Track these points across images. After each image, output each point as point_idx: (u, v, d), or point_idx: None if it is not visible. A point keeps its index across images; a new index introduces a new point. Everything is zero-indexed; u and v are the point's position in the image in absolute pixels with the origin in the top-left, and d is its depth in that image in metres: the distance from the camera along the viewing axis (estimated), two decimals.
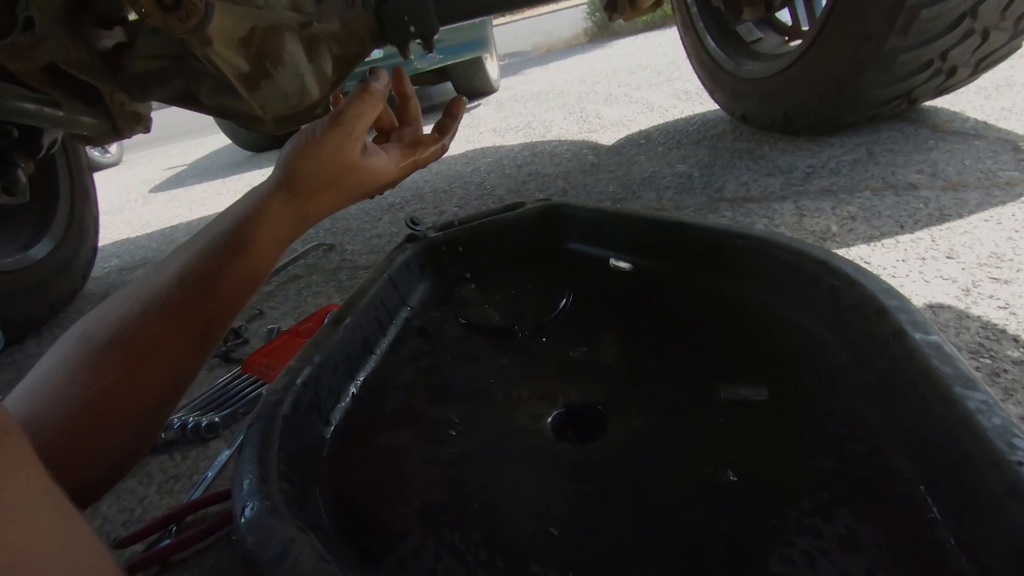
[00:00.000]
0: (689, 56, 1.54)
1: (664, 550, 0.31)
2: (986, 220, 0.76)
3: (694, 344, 0.46)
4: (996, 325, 0.57)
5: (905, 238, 0.77)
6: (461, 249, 0.64)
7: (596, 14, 5.39)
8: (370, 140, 0.53)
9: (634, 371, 0.46)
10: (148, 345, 0.40)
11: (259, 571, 0.28)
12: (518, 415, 0.44)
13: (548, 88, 2.96)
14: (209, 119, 3.29)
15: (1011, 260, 0.66)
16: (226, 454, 0.64)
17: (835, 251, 0.46)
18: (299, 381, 0.42)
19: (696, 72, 1.54)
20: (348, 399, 0.46)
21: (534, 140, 1.87)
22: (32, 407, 0.38)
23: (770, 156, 1.18)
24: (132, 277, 1.45)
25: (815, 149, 1.15)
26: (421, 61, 2.49)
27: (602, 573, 0.30)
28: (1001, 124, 1.05)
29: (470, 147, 1.95)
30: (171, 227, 1.92)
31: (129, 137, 1.06)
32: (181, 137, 5.11)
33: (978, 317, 0.59)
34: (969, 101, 1.20)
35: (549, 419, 0.43)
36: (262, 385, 0.74)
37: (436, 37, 1.05)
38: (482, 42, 2.81)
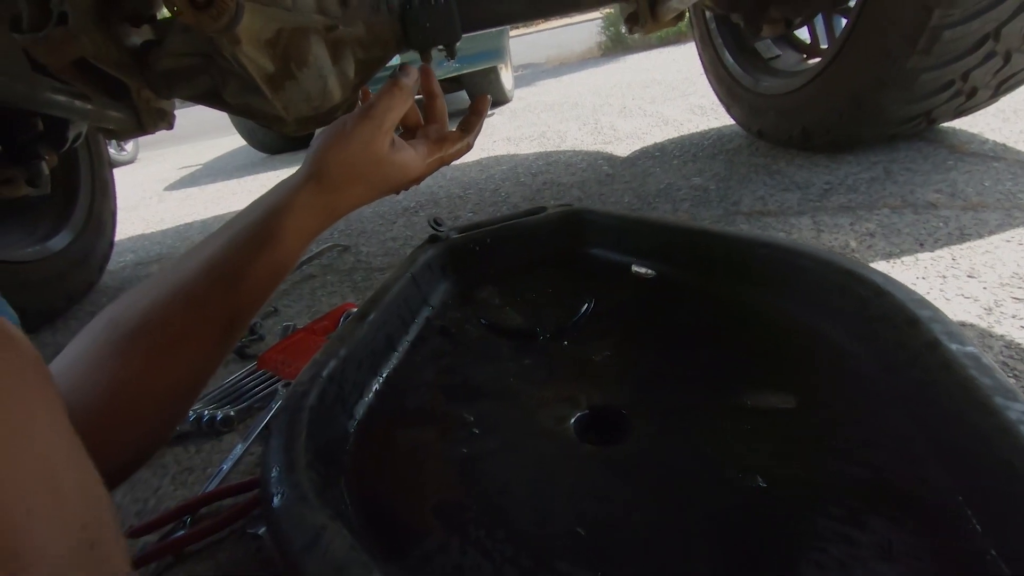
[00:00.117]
0: (706, 71, 1.55)
1: (695, 553, 0.31)
2: (1007, 240, 0.76)
3: (718, 351, 0.46)
4: (1020, 344, 0.57)
5: (925, 256, 0.77)
6: (482, 251, 0.64)
7: (610, 28, 5.43)
8: (397, 136, 0.53)
9: (657, 376, 0.46)
10: (175, 334, 0.40)
11: (290, 557, 0.28)
12: (541, 416, 0.44)
13: (562, 100, 2.98)
14: (225, 120, 3.33)
15: None
16: (241, 448, 0.64)
17: None
18: (325, 374, 0.42)
19: (713, 87, 1.54)
20: (371, 394, 0.46)
21: (548, 150, 1.88)
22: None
23: (787, 171, 1.18)
24: (147, 272, 1.46)
25: (832, 166, 1.15)
26: (438, 69, 2.52)
27: (632, 575, 0.30)
28: (1020, 147, 1.05)
29: (485, 155, 1.97)
30: (186, 224, 1.94)
31: (153, 132, 1.08)
32: (196, 137, 5.17)
33: (1001, 336, 0.58)
34: (987, 123, 1.20)
35: (572, 421, 0.43)
36: (277, 381, 0.75)
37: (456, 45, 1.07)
38: (498, 52, 2.84)
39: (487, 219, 0.67)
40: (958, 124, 1.22)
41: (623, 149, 1.67)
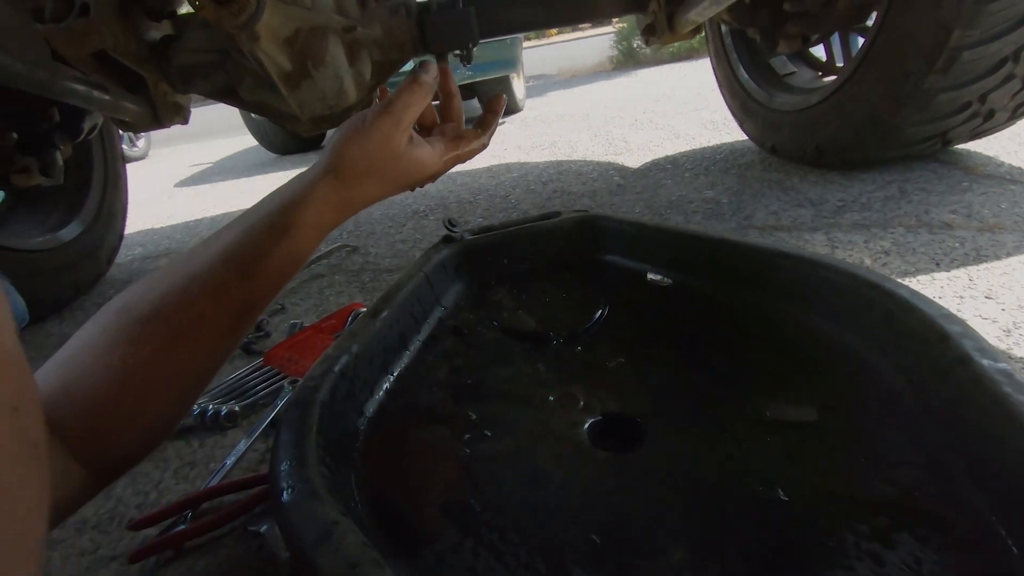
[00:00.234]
0: (720, 86, 1.55)
1: (713, 566, 0.30)
2: None
3: (736, 362, 0.46)
4: None
5: (941, 276, 0.76)
6: (496, 254, 0.64)
7: (622, 43, 5.47)
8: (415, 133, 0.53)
9: (673, 384, 0.45)
10: (187, 321, 0.40)
11: (302, 552, 0.27)
12: (554, 420, 0.43)
13: (573, 111, 3.00)
14: (236, 120, 3.35)
15: None
16: (244, 444, 0.63)
17: None
18: (337, 369, 0.42)
19: (727, 102, 1.54)
20: (382, 392, 0.46)
21: (559, 159, 1.88)
22: (67, 376, 0.38)
23: (800, 188, 1.18)
24: (155, 266, 1.46)
25: (846, 184, 1.15)
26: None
27: None
28: None
29: (495, 162, 1.97)
30: (195, 221, 1.94)
31: (169, 126, 1.08)
32: (207, 136, 5.20)
33: (1021, 358, 0.57)
34: (1003, 146, 1.19)
35: (586, 426, 0.42)
36: (282, 378, 0.74)
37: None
38: (511, 61, 2.86)
39: (501, 222, 0.66)
40: (973, 146, 1.21)
41: (634, 160, 1.67)
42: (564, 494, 0.36)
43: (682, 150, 1.69)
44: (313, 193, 0.46)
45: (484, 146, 0.58)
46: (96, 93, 0.88)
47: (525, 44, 3.20)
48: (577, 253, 0.64)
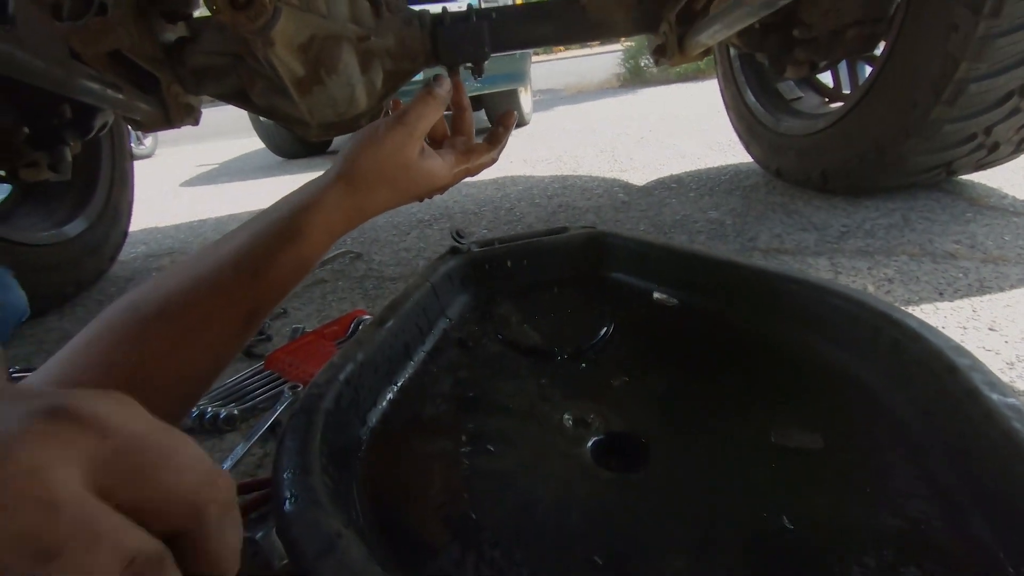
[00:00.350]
0: (727, 108, 1.57)
1: None
2: None
3: (742, 385, 0.45)
4: None
5: (945, 306, 0.76)
6: (503, 267, 0.64)
7: (630, 61, 5.52)
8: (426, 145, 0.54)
9: (678, 405, 0.45)
10: (195, 321, 0.40)
11: (304, 562, 0.26)
12: (557, 437, 0.43)
13: (579, 126, 3.02)
14: (244, 122, 3.37)
15: None
16: (242, 448, 0.63)
17: None
18: (342, 377, 0.41)
19: (733, 124, 1.56)
20: (385, 402, 0.45)
21: (564, 173, 1.89)
22: (70, 372, 0.38)
23: (804, 212, 1.18)
24: (158, 264, 1.46)
25: (850, 209, 1.15)
26: None
27: None
28: None
29: (500, 174, 1.98)
30: (200, 221, 1.95)
31: (179, 127, 1.09)
32: (214, 137, 5.22)
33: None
34: (1006, 178, 1.20)
35: (589, 444, 0.42)
36: (283, 383, 0.74)
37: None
38: (520, 75, 2.88)
39: (509, 235, 0.66)
40: (976, 177, 1.22)
41: (639, 178, 1.68)
42: (567, 513, 0.36)
43: (687, 169, 1.70)
44: (324, 199, 0.46)
45: (493, 160, 0.59)
46: (110, 92, 0.89)
47: (533, 59, 3.23)
48: (584, 269, 0.64)
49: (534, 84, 3.82)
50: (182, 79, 1.05)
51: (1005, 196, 1.12)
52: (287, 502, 0.30)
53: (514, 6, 1.18)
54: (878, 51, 1.15)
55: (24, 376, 0.85)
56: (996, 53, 0.86)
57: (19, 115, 1.09)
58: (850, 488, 0.34)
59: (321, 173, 0.49)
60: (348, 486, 0.36)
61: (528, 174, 1.95)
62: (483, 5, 2.82)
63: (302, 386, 0.71)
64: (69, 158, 1.18)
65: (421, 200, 0.55)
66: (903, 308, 0.76)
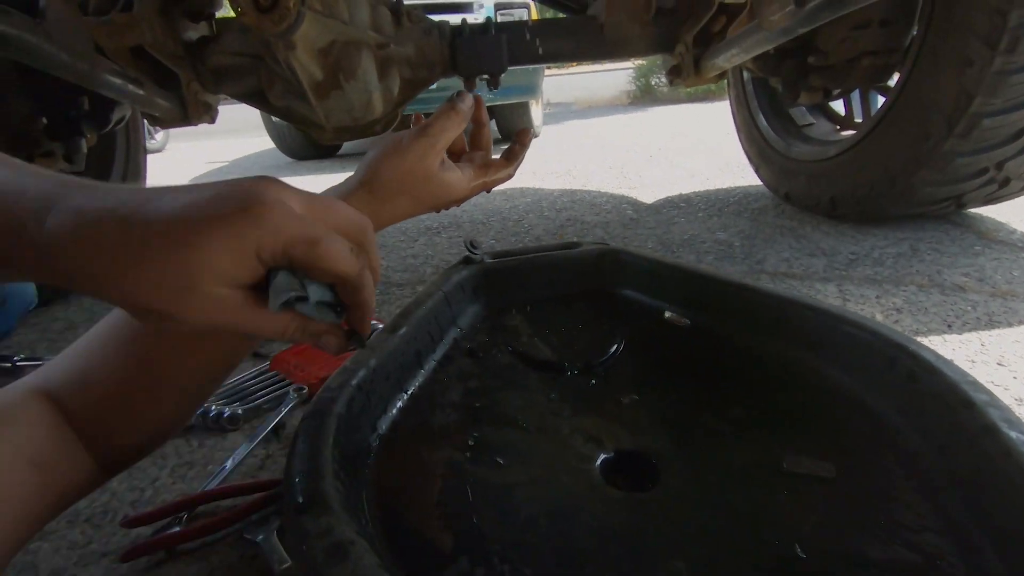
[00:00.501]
0: (738, 130, 1.58)
1: None
2: None
3: (753, 409, 0.45)
4: None
5: (953, 338, 0.76)
6: (515, 279, 0.64)
7: (640, 79, 5.56)
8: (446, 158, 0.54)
9: (688, 426, 0.45)
10: None
11: (314, 569, 0.26)
12: (567, 453, 0.43)
13: (589, 141, 3.04)
14: (255, 120, 3.39)
15: None
16: (245, 448, 0.62)
17: None
18: (354, 382, 0.41)
19: (743, 147, 1.57)
20: (395, 410, 0.45)
21: (573, 188, 1.90)
22: (85, 365, 0.38)
23: (812, 237, 1.19)
24: None
25: (858, 237, 1.16)
26: None
27: None
28: None
29: (510, 185, 1.99)
30: None
31: (197, 124, 1.10)
32: (225, 134, 5.26)
33: None
34: (1015, 213, 1.21)
35: (598, 462, 0.42)
36: (287, 384, 0.73)
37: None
38: (532, 88, 2.90)
39: (521, 247, 0.67)
40: (986, 211, 1.22)
41: (648, 195, 1.69)
42: (576, 530, 0.36)
43: (696, 189, 1.71)
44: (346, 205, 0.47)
45: (510, 176, 0.60)
46: (131, 87, 0.90)
47: (545, 72, 3.26)
48: (595, 285, 0.64)
49: (545, 97, 3.85)
50: (202, 77, 1.06)
51: (1014, 231, 1.12)
52: (299, 506, 0.30)
53: (533, 21, 1.19)
54: (891, 81, 1.16)
55: (33, 365, 0.85)
56: (1010, 89, 0.87)
57: (38, 105, 1.10)
58: (863, 519, 0.33)
59: (332, 175, 0.50)
60: (358, 492, 0.36)
61: (537, 186, 1.96)
62: (498, 19, 2.85)
63: (307, 388, 0.71)
64: (84, 150, 1.19)
65: (438, 211, 0.55)
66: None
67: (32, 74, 1.10)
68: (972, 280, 0.92)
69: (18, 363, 0.85)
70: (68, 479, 0.35)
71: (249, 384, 0.74)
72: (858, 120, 1.35)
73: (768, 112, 1.46)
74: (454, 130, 0.51)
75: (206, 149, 4.47)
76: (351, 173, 0.51)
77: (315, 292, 0.27)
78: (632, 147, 2.68)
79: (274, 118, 3.28)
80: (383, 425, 0.43)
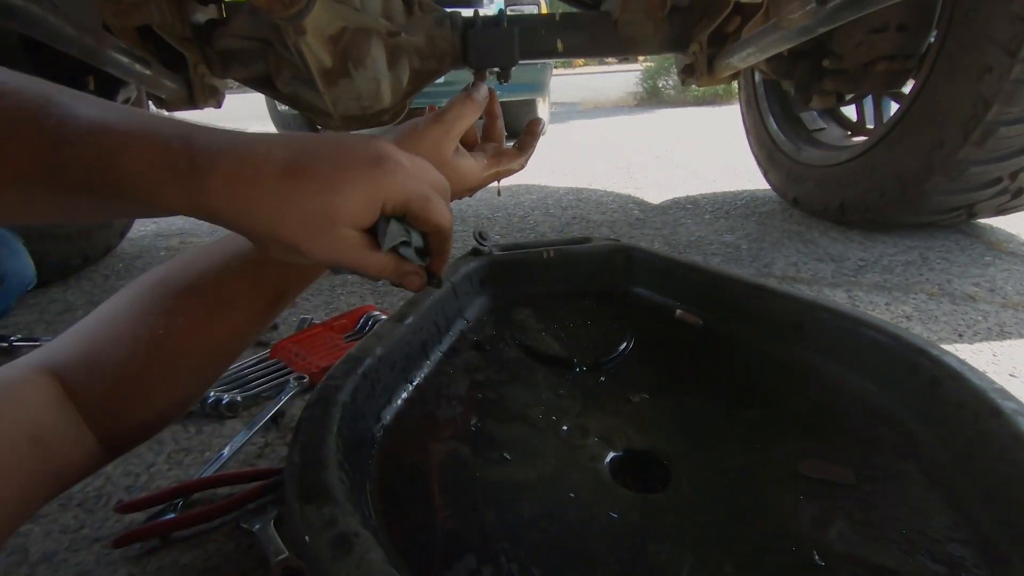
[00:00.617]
0: (748, 133, 1.56)
1: None
2: None
3: (767, 411, 0.44)
4: None
5: (964, 348, 0.75)
6: (524, 272, 0.63)
7: (648, 81, 5.54)
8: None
9: (700, 427, 0.44)
10: (224, 297, 0.40)
11: (317, 562, 0.25)
12: (575, 450, 0.42)
13: (595, 141, 3.02)
14: (260, 108, 3.38)
15: None
16: (243, 436, 0.61)
17: None
18: (360, 371, 0.40)
19: (752, 149, 1.55)
20: (400, 400, 0.44)
21: (579, 186, 1.88)
22: (92, 344, 0.37)
23: (821, 242, 1.17)
24: (166, 244, 1.45)
25: (867, 243, 1.15)
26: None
27: None
28: None
29: (515, 181, 1.97)
30: None
31: (203, 108, 1.08)
32: (229, 121, 5.23)
33: None
34: None
35: (607, 460, 0.41)
36: (287, 372, 0.72)
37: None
38: (540, 85, 2.89)
39: (530, 241, 0.65)
40: (996, 221, 1.21)
41: (654, 196, 1.67)
42: (584, 529, 0.34)
43: (703, 192, 1.69)
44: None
45: (522, 166, 0.59)
46: (138, 66, 0.88)
47: (554, 71, 3.24)
48: (605, 281, 0.63)
49: (551, 96, 3.83)
50: (209, 60, 1.04)
51: None
52: (302, 495, 0.29)
53: (545, 15, 1.18)
54: (906, 88, 1.15)
55: (30, 346, 0.84)
56: None
57: None
58: (885, 527, 0.32)
59: None
60: (361, 484, 0.35)
61: (543, 184, 1.95)
62: (508, 11, 2.83)
63: (308, 377, 0.70)
64: None
65: (451, 200, 0.54)
66: None
67: (38, 50, 1.08)
68: (983, 290, 0.91)
69: (15, 343, 0.84)
70: (69, 457, 0.34)
71: (249, 371, 0.73)
72: (870, 126, 1.33)
73: (779, 115, 1.45)
74: (469, 117, 0.50)
75: None
76: None
77: (415, 239, 0.33)
78: (638, 148, 2.67)
79: (279, 107, 3.27)
80: (387, 416, 0.42)
